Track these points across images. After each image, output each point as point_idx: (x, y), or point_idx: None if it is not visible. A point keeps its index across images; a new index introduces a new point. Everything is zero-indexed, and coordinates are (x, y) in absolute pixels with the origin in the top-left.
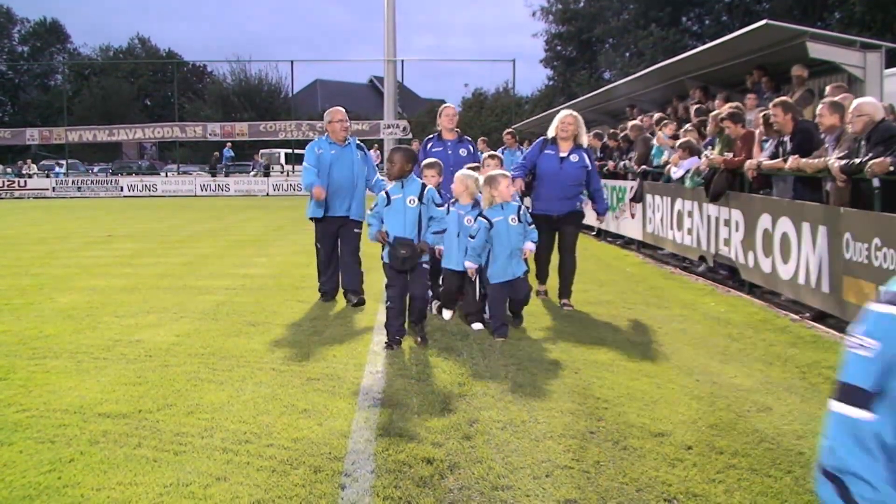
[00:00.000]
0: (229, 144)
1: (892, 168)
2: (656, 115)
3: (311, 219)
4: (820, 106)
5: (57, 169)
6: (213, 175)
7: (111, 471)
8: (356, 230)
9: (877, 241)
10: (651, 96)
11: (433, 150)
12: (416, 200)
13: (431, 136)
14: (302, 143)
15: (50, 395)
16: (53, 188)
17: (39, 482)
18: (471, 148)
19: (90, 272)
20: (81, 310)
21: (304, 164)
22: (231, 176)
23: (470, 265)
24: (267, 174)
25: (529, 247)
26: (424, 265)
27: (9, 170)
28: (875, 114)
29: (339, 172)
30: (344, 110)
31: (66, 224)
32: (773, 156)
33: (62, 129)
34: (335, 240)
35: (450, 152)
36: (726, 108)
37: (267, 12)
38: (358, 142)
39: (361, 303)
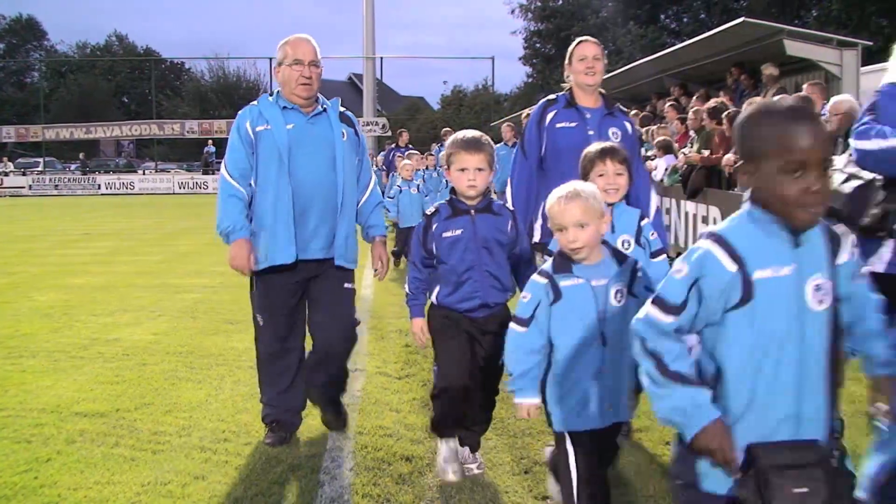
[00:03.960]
0: (210, 142)
1: None
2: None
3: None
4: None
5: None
6: (205, 172)
7: (88, 470)
8: (347, 285)
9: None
10: (630, 94)
11: (559, 127)
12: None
13: (553, 97)
14: None
15: (26, 395)
16: (30, 186)
17: (16, 482)
18: (628, 127)
19: (67, 271)
20: (58, 308)
21: (221, 170)
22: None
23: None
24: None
25: None
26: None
27: None
28: (852, 111)
29: (309, 166)
30: (314, 43)
31: (44, 222)
32: None
33: (39, 127)
34: (295, 310)
35: (591, 132)
36: (711, 103)
37: (245, 9)
38: (342, 108)
39: (343, 424)
